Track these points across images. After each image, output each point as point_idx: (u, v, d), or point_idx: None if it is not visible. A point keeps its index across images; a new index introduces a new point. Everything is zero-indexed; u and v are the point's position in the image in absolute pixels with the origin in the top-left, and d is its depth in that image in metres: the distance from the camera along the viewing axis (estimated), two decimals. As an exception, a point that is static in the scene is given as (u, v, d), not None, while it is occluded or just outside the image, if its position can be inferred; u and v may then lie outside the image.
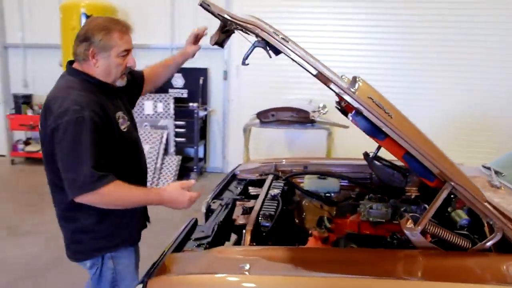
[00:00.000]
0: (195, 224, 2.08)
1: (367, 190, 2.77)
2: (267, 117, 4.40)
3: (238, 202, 2.41)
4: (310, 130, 4.78)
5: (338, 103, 2.15)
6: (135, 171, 1.75)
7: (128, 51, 1.69)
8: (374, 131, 1.55)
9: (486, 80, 5.55)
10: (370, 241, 1.95)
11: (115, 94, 1.79)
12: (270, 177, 2.65)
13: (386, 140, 1.56)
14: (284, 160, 3.05)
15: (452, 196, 2.28)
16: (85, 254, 1.79)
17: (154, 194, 1.71)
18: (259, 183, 2.81)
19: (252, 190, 2.76)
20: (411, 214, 1.70)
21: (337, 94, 2.08)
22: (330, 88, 1.44)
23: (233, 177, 2.84)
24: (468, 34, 5.50)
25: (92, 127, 1.54)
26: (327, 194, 2.72)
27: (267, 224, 1.95)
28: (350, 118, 1.55)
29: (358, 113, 1.51)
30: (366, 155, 2.76)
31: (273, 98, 5.69)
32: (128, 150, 1.76)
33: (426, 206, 2.21)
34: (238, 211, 2.30)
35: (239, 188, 2.66)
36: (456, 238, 1.61)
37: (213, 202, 2.44)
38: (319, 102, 5.35)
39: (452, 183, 1.50)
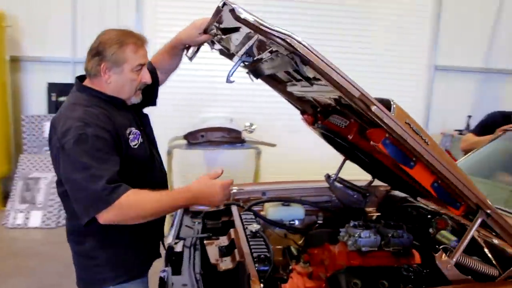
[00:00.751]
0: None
1: (330, 214, 2.64)
2: (196, 138, 4.06)
3: (206, 241, 2.06)
4: (238, 150, 4.55)
5: (323, 124, 1.97)
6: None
7: (142, 66, 1.59)
8: (404, 158, 1.40)
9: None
10: (375, 274, 1.78)
11: (128, 108, 1.68)
12: (235, 208, 2.34)
13: (416, 167, 1.42)
14: (235, 188, 2.76)
15: (429, 217, 2.28)
16: (87, 283, 1.65)
17: (180, 193, 1.53)
18: (216, 215, 2.48)
19: (210, 224, 2.42)
20: (442, 246, 1.58)
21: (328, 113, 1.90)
22: (369, 112, 1.24)
23: (185, 210, 2.46)
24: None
25: (96, 143, 1.41)
26: (291, 222, 2.52)
27: (266, 268, 1.66)
28: (378, 144, 1.37)
29: (391, 139, 1.35)
30: (328, 177, 2.65)
31: (189, 117, 5.33)
32: (137, 167, 1.62)
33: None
34: (212, 253, 1.95)
35: (197, 223, 2.30)
36: (486, 268, 1.53)
37: (175, 244, 2.06)
38: (239, 120, 5.20)
39: (489, 211, 1.41)
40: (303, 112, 2.37)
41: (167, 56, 1.89)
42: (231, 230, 2.06)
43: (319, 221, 2.52)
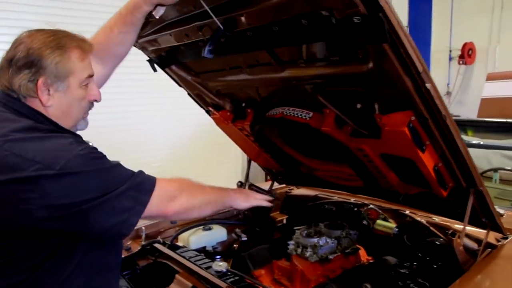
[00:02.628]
0: None
1: (246, 227, 2.36)
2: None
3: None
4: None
5: (269, 117, 1.71)
6: None
7: (91, 77, 1.21)
8: (420, 141, 1.27)
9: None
10: (358, 279, 1.61)
11: None
12: (160, 246, 1.82)
13: (426, 151, 1.31)
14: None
15: (355, 209, 2.24)
16: None
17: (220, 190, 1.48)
18: (142, 254, 1.87)
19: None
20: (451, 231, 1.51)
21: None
22: (424, 89, 1.06)
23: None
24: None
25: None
26: (214, 247, 2.13)
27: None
28: (403, 129, 1.21)
29: (415, 122, 1.21)
30: (241, 185, 2.37)
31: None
32: None
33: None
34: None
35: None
36: (472, 243, 1.54)
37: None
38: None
39: (481, 188, 1.41)
40: (217, 109, 2.04)
41: (121, 28, 1.32)
42: (178, 276, 1.57)
43: (243, 238, 2.20)
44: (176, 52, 1.73)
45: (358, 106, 1.37)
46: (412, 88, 1.08)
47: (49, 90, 1.12)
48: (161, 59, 1.84)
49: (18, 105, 1.12)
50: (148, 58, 1.90)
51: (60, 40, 1.13)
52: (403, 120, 1.20)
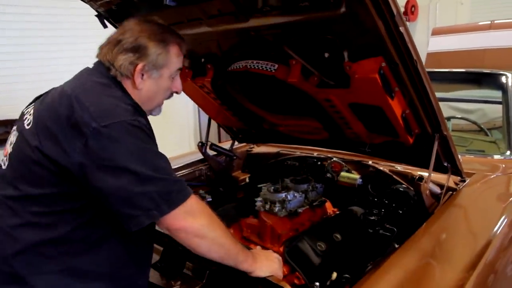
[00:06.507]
0: None
1: (210, 188, 2.32)
2: None
3: None
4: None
5: (232, 71, 1.64)
6: None
7: (178, 71, 1.34)
8: (389, 88, 1.27)
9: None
10: (329, 229, 1.63)
11: None
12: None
13: (395, 98, 1.31)
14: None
15: (319, 163, 2.26)
16: None
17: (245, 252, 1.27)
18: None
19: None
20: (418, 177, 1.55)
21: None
22: (397, 33, 1.04)
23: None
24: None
25: (151, 136, 1.15)
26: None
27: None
28: (374, 76, 1.19)
29: (385, 68, 1.20)
30: (202, 145, 2.31)
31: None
32: None
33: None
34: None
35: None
36: (435, 187, 1.59)
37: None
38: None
39: (445, 133, 1.44)
40: None
41: None
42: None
43: (208, 199, 2.16)
44: (128, 5, 1.60)
45: (326, 55, 1.34)
46: (384, 32, 1.06)
47: (143, 75, 1.24)
48: (112, 14, 1.70)
49: (114, 80, 1.24)
50: (96, 13, 1.75)
51: (165, 35, 1.26)
52: (373, 67, 1.19)
